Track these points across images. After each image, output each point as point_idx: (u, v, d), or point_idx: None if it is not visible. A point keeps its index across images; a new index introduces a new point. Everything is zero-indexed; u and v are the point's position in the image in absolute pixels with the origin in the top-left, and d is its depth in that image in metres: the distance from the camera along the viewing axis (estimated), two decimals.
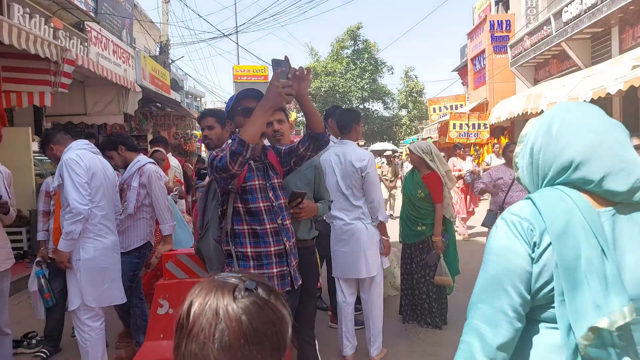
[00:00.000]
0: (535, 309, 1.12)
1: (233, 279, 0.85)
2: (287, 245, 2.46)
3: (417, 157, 4.53)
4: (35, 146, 6.65)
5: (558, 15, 11.19)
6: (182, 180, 6.99)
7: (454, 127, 15.25)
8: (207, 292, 0.83)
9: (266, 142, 2.74)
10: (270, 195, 2.45)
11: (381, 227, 3.81)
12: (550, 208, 1.09)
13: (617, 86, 7.41)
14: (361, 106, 33.67)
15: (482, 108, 16.94)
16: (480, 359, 1.09)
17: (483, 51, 17.65)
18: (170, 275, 3.63)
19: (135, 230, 3.82)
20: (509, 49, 15.01)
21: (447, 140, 15.50)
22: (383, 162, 12.60)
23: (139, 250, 3.85)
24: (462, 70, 22.60)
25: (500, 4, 18.26)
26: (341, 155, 3.73)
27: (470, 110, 16.59)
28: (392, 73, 38.01)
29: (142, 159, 3.95)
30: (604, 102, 9.69)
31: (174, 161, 6.83)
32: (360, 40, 33.81)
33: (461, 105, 20.66)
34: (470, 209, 9.50)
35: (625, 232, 1.08)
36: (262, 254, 2.39)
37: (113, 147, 3.89)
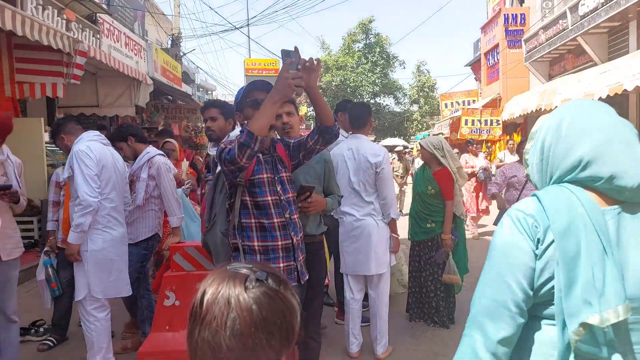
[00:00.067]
0: (537, 306, 1.13)
1: (244, 270, 0.89)
2: (295, 240, 2.44)
3: (428, 152, 4.47)
4: (47, 137, 6.71)
5: (574, 8, 10.99)
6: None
7: (466, 123, 15.09)
8: (219, 282, 0.87)
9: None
10: (278, 188, 2.43)
11: (392, 224, 3.79)
12: (555, 205, 1.10)
13: (635, 82, 7.25)
14: (372, 101, 33.48)
15: (494, 104, 16.73)
16: (482, 352, 1.10)
17: (497, 45, 17.40)
18: (178, 267, 3.65)
19: (144, 221, 3.84)
20: (523, 44, 14.78)
21: (458, 137, 15.35)
22: (394, 158, 12.51)
23: (147, 242, 3.87)
24: (475, 65, 22.33)
25: None
26: (355, 149, 3.68)
27: (482, 106, 16.40)
28: (404, 67, 37.69)
29: (151, 150, 3.95)
30: (620, 99, 9.52)
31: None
32: (372, 34, 33.58)
33: (474, 101, 20.45)
34: (484, 207, 9.30)
35: (630, 231, 1.09)
36: (269, 248, 2.38)
37: (123, 138, 3.90)
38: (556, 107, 9.45)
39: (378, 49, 33.09)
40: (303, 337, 2.91)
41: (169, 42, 15.86)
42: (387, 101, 35.78)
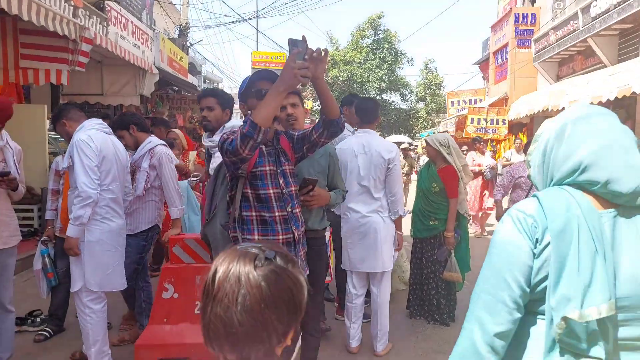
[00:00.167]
0: (533, 302, 1.19)
1: (254, 249, 0.95)
2: (296, 234, 2.40)
3: (434, 149, 4.41)
4: (50, 124, 6.67)
5: (586, 9, 10.87)
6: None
7: (472, 122, 15.00)
8: (230, 260, 0.93)
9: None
10: (280, 181, 2.38)
11: (397, 221, 3.75)
12: (553, 207, 1.16)
13: None
14: (378, 97, 33.29)
15: (501, 103, 16.64)
16: (480, 345, 1.17)
17: (506, 45, 17.28)
18: (177, 259, 3.60)
19: (144, 212, 3.78)
20: (532, 44, 14.67)
21: (464, 135, 15.27)
22: (399, 155, 12.42)
23: (147, 233, 3.80)
24: (483, 64, 22.22)
25: None
26: (366, 144, 3.63)
27: (489, 105, 16.31)
28: (412, 64, 37.49)
29: (153, 140, 3.88)
30: (628, 101, 9.43)
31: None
32: (381, 30, 33.38)
33: (480, 100, 20.33)
34: (491, 205, 9.19)
35: (625, 233, 1.15)
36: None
37: (124, 127, 3.82)
38: (563, 108, 9.43)
39: (386, 45, 32.90)
40: (302, 333, 2.86)
41: (177, 32, 15.80)
42: (394, 98, 35.65)
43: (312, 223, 2.81)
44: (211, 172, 3.19)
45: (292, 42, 2.02)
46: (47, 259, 3.70)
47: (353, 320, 3.77)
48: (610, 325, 1.10)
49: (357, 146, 3.65)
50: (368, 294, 4.17)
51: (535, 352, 1.18)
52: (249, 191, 2.34)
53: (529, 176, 1.36)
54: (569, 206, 1.14)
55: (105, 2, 8.38)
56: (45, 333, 3.93)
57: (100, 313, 3.23)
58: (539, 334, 1.18)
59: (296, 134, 2.52)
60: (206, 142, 3.35)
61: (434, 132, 20.50)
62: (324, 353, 3.28)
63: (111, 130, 3.46)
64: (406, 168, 12.38)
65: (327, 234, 3.37)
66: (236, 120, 3.36)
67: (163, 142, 4.03)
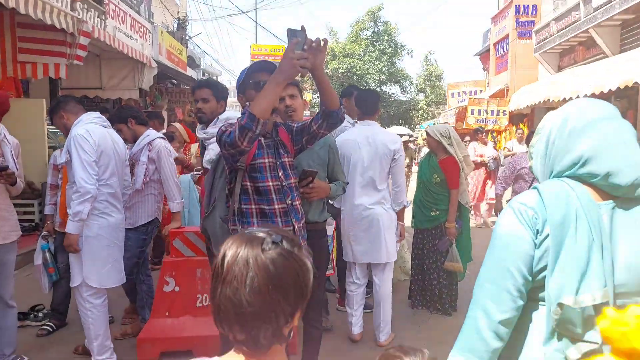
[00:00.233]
0: (535, 289, 1.23)
1: (261, 233, 0.98)
2: (296, 227, 2.38)
3: (435, 140, 4.40)
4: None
5: (588, 0, 10.80)
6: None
7: (472, 113, 14.93)
8: (238, 244, 0.96)
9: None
10: (280, 174, 2.36)
11: (399, 212, 3.77)
12: (553, 199, 1.20)
13: None
14: (378, 89, 33.19)
15: (502, 94, 16.58)
16: (485, 331, 1.22)
17: (507, 36, 17.20)
18: (177, 253, 3.60)
19: (143, 206, 3.76)
20: (533, 35, 14.58)
21: (464, 126, 15.22)
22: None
23: (147, 227, 3.78)
24: (483, 56, 22.11)
25: None
26: (370, 136, 3.62)
27: (490, 96, 16.24)
28: (412, 56, 37.33)
29: (151, 133, 3.85)
30: (629, 92, 9.37)
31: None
32: (380, 22, 33.23)
33: (481, 91, 20.25)
34: (494, 196, 9.18)
35: (622, 224, 1.19)
36: None
37: (122, 120, 3.79)
38: (564, 98, 9.35)
39: (386, 37, 32.76)
40: (304, 326, 2.86)
41: (175, 25, 15.69)
42: (393, 89, 35.53)
43: (312, 215, 2.80)
44: (205, 164, 3.16)
45: (291, 32, 1.99)
46: (47, 254, 3.67)
47: (355, 308, 3.78)
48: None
49: (361, 138, 3.63)
50: (369, 284, 4.17)
51: (537, 337, 1.22)
52: (248, 184, 2.32)
53: (530, 167, 1.38)
54: (569, 198, 1.18)
55: None
56: (47, 328, 3.92)
57: (101, 307, 3.21)
58: (540, 320, 1.22)
59: (295, 125, 2.50)
60: (200, 134, 3.29)
61: (434, 124, 20.45)
62: (327, 345, 3.28)
63: (109, 124, 3.42)
64: (407, 160, 12.36)
65: (332, 227, 3.36)
66: (230, 112, 3.31)
67: (161, 135, 4.00)
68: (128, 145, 3.78)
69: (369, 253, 3.66)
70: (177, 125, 6.28)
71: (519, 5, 16.32)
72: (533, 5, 16.16)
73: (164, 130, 5.61)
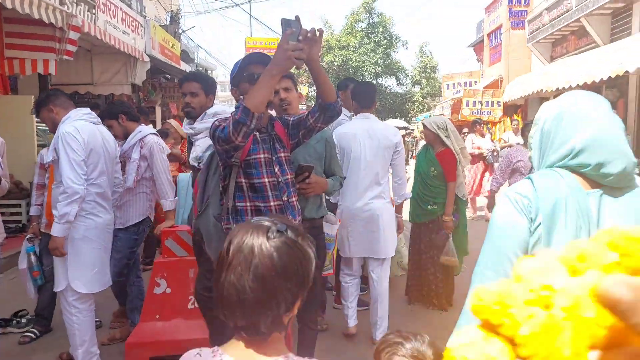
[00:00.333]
0: None
1: (267, 222, 1.02)
2: None
3: (432, 133, 4.34)
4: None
5: None
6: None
7: (467, 105, 14.91)
8: (244, 232, 1.00)
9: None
10: (276, 170, 2.29)
11: (398, 206, 3.76)
12: (545, 188, 1.26)
13: (636, 64, 7.17)
14: (374, 81, 33.09)
15: (496, 85, 16.56)
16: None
17: (500, 26, 17.15)
18: (170, 253, 3.49)
19: (134, 205, 3.65)
20: (526, 24, 14.54)
21: (459, 118, 15.19)
22: None
23: (138, 227, 3.67)
24: (477, 46, 22.06)
25: None
26: (370, 129, 3.56)
27: (484, 87, 16.23)
28: (407, 48, 37.30)
29: (143, 129, 3.74)
30: (620, 80, 9.35)
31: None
32: (375, 14, 33.08)
33: (475, 82, 20.22)
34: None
35: (609, 211, 1.25)
36: None
37: (113, 116, 3.67)
38: (557, 89, 9.32)
39: (381, 29, 32.62)
40: (299, 325, 2.80)
41: (168, 19, 15.51)
42: (389, 82, 35.44)
43: (308, 212, 2.74)
44: (192, 161, 3.02)
45: (285, 23, 1.91)
46: (32, 257, 3.52)
47: (350, 300, 3.74)
48: None
49: (360, 131, 3.57)
50: (365, 280, 4.12)
51: None
52: (243, 180, 2.25)
53: (529, 157, 1.44)
54: (559, 187, 1.25)
55: None
56: (31, 334, 3.74)
57: (87, 312, 3.07)
58: None
59: (291, 119, 2.43)
60: (187, 129, 3.15)
61: (430, 116, 20.46)
62: (322, 344, 3.23)
63: (99, 120, 3.29)
64: None
65: (336, 227, 3.29)
66: (219, 106, 3.17)
67: (154, 131, 3.91)
68: (119, 142, 3.68)
69: (367, 247, 3.62)
70: (172, 122, 6.20)
71: None
72: None
73: (151, 126, 5.52)
